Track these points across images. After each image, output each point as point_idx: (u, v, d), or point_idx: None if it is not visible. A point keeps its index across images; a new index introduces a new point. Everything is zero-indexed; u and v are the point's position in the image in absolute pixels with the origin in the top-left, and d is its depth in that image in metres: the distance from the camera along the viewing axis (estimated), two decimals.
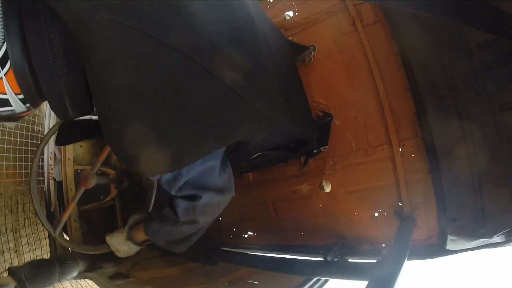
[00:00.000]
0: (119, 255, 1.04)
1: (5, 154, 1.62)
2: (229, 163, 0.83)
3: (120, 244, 1.02)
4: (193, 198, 0.76)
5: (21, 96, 0.55)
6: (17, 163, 1.72)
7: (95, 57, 0.48)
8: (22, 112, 0.59)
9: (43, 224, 1.19)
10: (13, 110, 0.56)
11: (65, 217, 1.21)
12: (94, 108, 0.58)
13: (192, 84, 0.59)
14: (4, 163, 1.67)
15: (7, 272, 1.09)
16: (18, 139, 1.68)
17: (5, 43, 0.48)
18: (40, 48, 0.50)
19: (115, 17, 0.48)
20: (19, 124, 1.71)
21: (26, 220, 1.80)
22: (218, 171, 0.77)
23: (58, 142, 0.90)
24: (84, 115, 0.65)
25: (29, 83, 0.53)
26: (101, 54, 0.48)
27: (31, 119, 1.79)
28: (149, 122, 0.53)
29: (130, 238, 1.00)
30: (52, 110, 0.61)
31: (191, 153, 0.60)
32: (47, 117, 1.49)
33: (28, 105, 0.57)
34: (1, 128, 1.60)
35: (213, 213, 0.86)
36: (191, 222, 0.83)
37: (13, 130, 1.66)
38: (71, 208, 1.21)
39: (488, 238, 1.05)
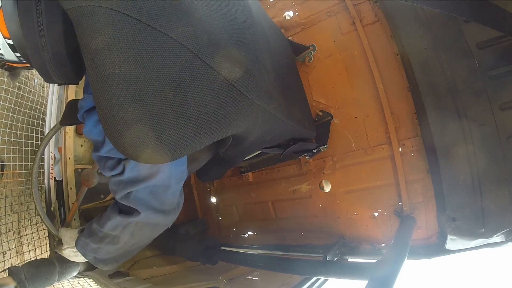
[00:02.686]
0: (62, 250, 0.98)
1: (5, 155, 1.62)
2: (185, 178, 0.79)
3: (72, 238, 0.95)
4: (131, 213, 0.73)
5: (10, 42, 0.55)
6: (17, 163, 1.72)
7: (93, 44, 0.48)
8: (12, 61, 0.59)
9: (49, 229, 1.19)
10: (1, 54, 0.57)
11: (70, 219, 1.20)
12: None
13: (189, 75, 0.59)
14: (7, 163, 1.67)
15: (6, 272, 1.09)
16: (18, 140, 1.68)
17: None
18: (27, 12, 0.51)
19: (113, 5, 0.49)
20: (20, 124, 1.71)
21: (29, 221, 1.80)
22: (174, 187, 0.73)
23: (62, 122, 0.90)
24: (70, 83, 0.66)
25: (17, 32, 0.53)
26: (99, 41, 0.48)
27: (32, 120, 1.79)
28: (146, 110, 0.53)
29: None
30: (36, 69, 0.61)
31: (188, 143, 0.61)
32: (48, 117, 1.50)
33: (18, 55, 0.57)
34: (2, 129, 1.60)
35: (141, 236, 0.81)
36: (114, 238, 0.80)
37: (13, 131, 1.66)
38: (75, 209, 1.21)
39: (487, 237, 1.05)
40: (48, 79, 0.62)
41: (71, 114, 0.87)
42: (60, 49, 0.56)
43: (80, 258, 0.96)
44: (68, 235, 0.99)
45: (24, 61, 0.59)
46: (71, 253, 0.98)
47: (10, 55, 0.57)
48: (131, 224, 0.76)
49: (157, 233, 0.85)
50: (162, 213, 0.76)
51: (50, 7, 0.52)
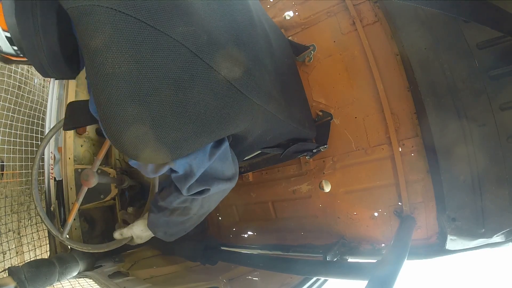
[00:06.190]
0: (140, 241, 1.04)
1: (5, 155, 1.62)
2: (231, 151, 0.82)
3: (143, 230, 1.02)
4: (201, 192, 0.76)
5: (8, 34, 0.56)
6: (17, 163, 1.72)
7: (93, 43, 0.48)
8: (9, 54, 0.60)
9: (49, 229, 1.19)
10: None
11: (70, 219, 1.20)
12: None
13: (189, 75, 0.59)
14: (7, 163, 1.67)
15: (6, 272, 1.09)
16: (18, 140, 1.68)
17: None
18: (23, 10, 0.53)
19: (113, 5, 0.49)
20: (20, 124, 1.71)
21: (29, 221, 1.80)
22: (228, 160, 0.77)
23: (66, 127, 0.92)
24: (65, 78, 0.67)
25: (14, 28, 0.55)
26: (99, 41, 0.48)
27: (32, 120, 1.79)
28: (145, 109, 0.53)
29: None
30: (31, 65, 0.62)
31: (188, 143, 0.61)
32: (48, 117, 1.50)
33: (15, 48, 0.58)
34: (2, 129, 1.60)
35: (210, 204, 0.85)
36: (185, 209, 0.84)
37: (13, 131, 1.66)
38: (76, 210, 1.21)
39: (487, 238, 1.05)
40: (44, 74, 0.63)
41: (73, 117, 0.88)
42: (55, 48, 0.58)
43: (147, 234, 1.00)
44: (139, 230, 1.02)
45: (21, 55, 0.60)
46: (138, 230, 1.00)
47: (7, 48, 0.58)
48: (203, 198, 0.79)
49: (223, 196, 0.88)
50: (227, 181, 0.79)
51: (45, 7, 0.53)
